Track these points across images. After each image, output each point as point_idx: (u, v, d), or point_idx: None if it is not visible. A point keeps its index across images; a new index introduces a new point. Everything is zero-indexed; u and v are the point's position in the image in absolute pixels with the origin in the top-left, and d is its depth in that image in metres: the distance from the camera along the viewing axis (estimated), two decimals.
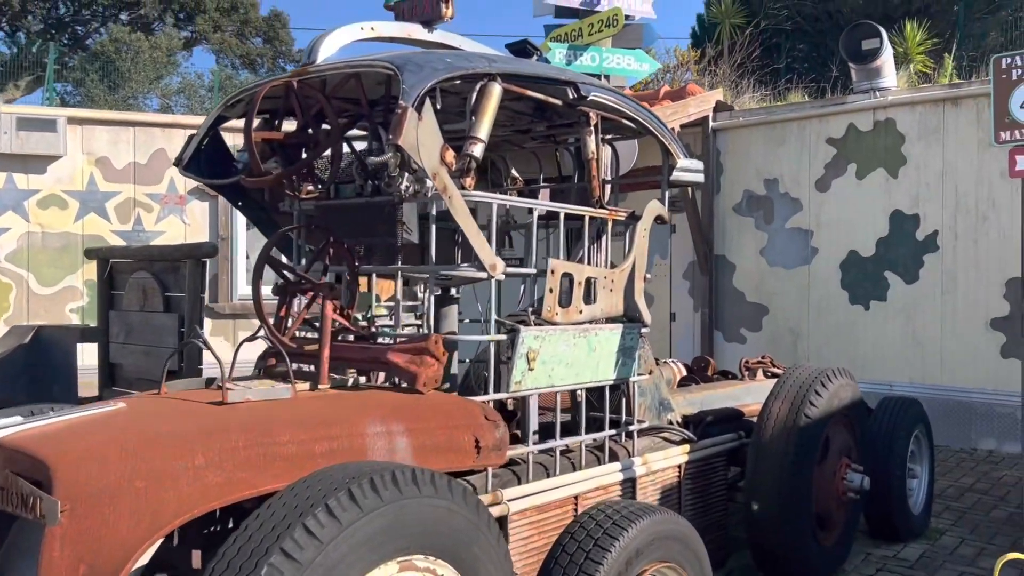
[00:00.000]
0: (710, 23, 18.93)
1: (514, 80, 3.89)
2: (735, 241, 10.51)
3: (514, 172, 5.82)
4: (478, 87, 3.71)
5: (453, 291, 4.66)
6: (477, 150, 3.58)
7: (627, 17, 7.06)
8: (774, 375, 6.55)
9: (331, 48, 3.90)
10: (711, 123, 10.61)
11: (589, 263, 4.59)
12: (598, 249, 4.83)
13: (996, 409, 8.58)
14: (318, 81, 3.95)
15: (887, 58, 9.64)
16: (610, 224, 4.59)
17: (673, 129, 9.72)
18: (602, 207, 4.50)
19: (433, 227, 3.80)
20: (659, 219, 4.79)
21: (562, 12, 7.25)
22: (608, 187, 5.57)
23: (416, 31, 4.37)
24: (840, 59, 15.93)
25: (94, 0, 30.20)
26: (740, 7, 18.16)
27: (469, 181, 3.61)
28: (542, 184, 5.53)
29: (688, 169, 4.86)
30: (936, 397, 8.82)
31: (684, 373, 6.38)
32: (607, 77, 6.85)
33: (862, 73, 9.75)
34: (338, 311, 3.91)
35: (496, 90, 3.72)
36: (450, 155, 3.50)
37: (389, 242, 4.00)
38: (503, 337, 3.86)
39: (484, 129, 3.60)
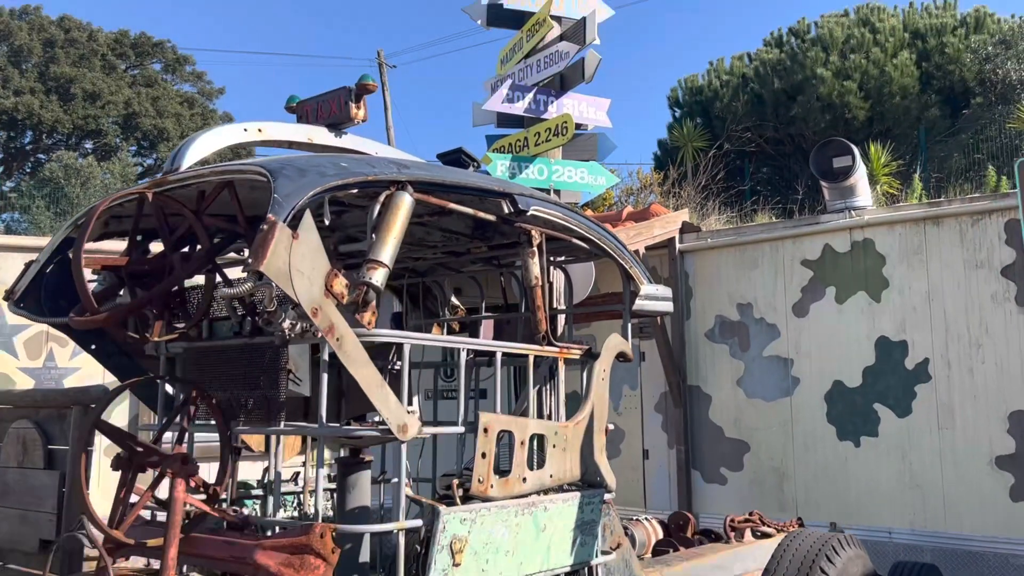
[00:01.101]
0: (672, 147, 18.85)
1: (432, 190, 3.10)
2: (710, 370, 9.68)
3: (455, 300, 4.98)
4: (382, 198, 2.91)
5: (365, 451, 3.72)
6: (377, 277, 2.73)
7: (579, 126, 6.42)
8: (764, 534, 5.58)
9: (201, 152, 3.11)
10: (678, 245, 9.99)
11: (537, 414, 3.71)
12: (551, 393, 3.95)
13: (1011, 560, 7.59)
14: (191, 193, 3.13)
15: (860, 176, 9.17)
16: (561, 365, 3.73)
17: (636, 252, 9.07)
18: (550, 343, 3.64)
19: (324, 376, 2.91)
20: (621, 356, 3.95)
21: (505, 120, 6.61)
22: (562, 318, 4.74)
23: (319, 134, 3.63)
24: (807, 180, 15.74)
25: (56, 129, 29.95)
26: (702, 131, 18.12)
27: (368, 317, 2.75)
28: (483, 315, 4.70)
29: (653, 296, 4.06)
30: (941, 546, 7.83)
31: (660, 535, 5.41)
32: (558, 192, 6.15)
33: (835, 192, 9.25)
34: (203, 490, 2.94)
35: (405, 202, 2.92)
36: (340, 284, 2.64)
37: (270, 395, 3.08)
38: (417, 523, 2.92)
39: (387, 250, 2.77)
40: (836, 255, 8.96)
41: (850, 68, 18.33)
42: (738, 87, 19.66)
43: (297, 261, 2.49)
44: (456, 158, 4.17)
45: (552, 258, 4.46)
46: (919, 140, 16.69)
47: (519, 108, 6.23)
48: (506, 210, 3.37)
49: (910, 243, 8.48)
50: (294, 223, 2.51)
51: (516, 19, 6.78)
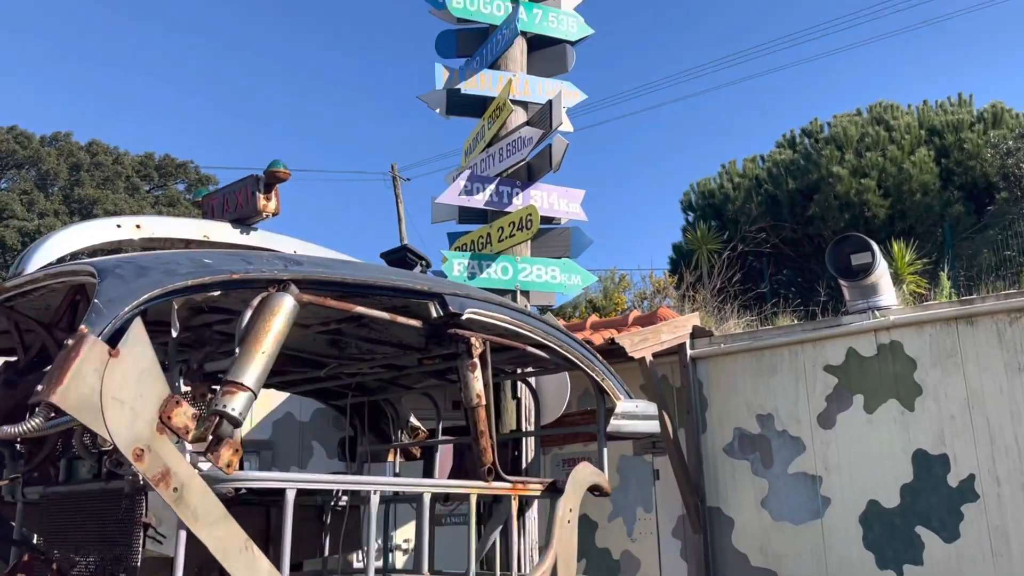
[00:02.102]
0: (687, 250, 18.35)
1: (329, 291, 2.50)
2: (730, 490, 8.78)
3: (413, 420, 4.31)
4: (255, 301, 2.31)
5: None
6: (237, 403, 2.10)
7: (550, 219, 5.84)
8: None
9: (55, 254, 2.55)
10: (689, 351, 9.27)
11: (501, 564, 3.00)
12: (519, 535, 3.23)
13: None
14: (43, 301, 2.55)
15: (882, 273, 8.50)
16: (514, 504, 3.02)
17: (643, 359, 8.36)
18: (499, 477, 2.95)
19: (182, 533, 2.23)
20: (596, 490, 3.23)
21: (468, 216, 6.03)
22: (530, 441, 4.04)
23: (220, 230, 3.09)
24: (829, 281, 15.06)
25: None
26: (716, 233, 17.63)
27: (226, 456, 2.10)
28: (440, 438, 4.01)
29: (632, 415, 3.36)
30: None
31: None
32: (526, 294, 5.53)
33: (856, 291, 8.56)
34: None
35: (284, 306, 2.31)
36: (182, 414, 2.01)
37: (121, 555, 2.41)
38: None
39: (251, 369, 2.15)
40: (861, 360, 8.19)
41: (867, 166, 17.93)
42: (751, 188, 19.30)
43: (114, 387, 1.87)
44: (400, 257, 3.61)
45: (518, 370, 3.80)
46: (944, 237, 16.03)
47: (479, 201, 5.63)
48: (434, 314, 2.76)
49: (942, 345, 7.71)
50: (112, 337, 1.90)
51: (476, 106, 6.33)
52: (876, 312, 8.31)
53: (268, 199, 3.12)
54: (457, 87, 6.23)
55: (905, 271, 13.61)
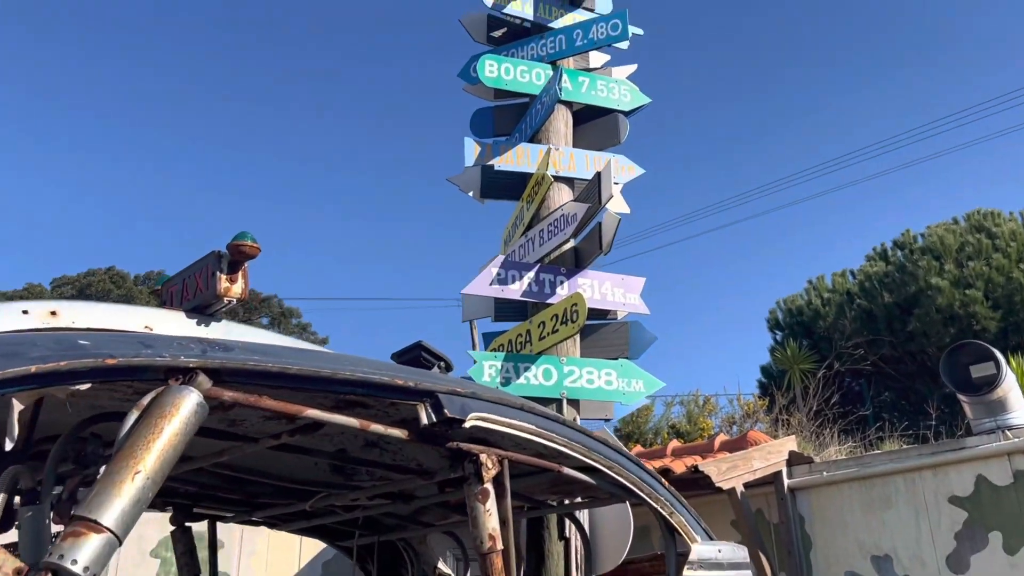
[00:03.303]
0: (778, 371, 17.13)
1: (264, 383, 1.79)
2: None
3: (442, 567, 3.48)
4: (145, 400, 1.61)
5: None
6: (85, 552, 1.35)
7: (602, 312, 4.97)
8: None
9: None
10: (786, 480, 8.10)
11: None
12: None
13: None
14: None
15: (1011, 386, 7.30)
16: None
17: (732, 490, 7.27)
18: None
19: None
20: None
21: (504, 310, 5.19)
22: None
23: (169, 320, 2.46)
24: (939, 403, 13.62)
25: None
26: (808, 352, 16.41)
27: None
28: None
29: (712, 563, 2.47)
30: None
31: None
32: (575, 404, 4.64)
33: (980, 408, 7.36)
34: None
35: (184, 405, 1.59)
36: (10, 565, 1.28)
37: None
38: None
39: (116, 501, 1.41)
40: (995, 490, 6.90)
41: (970, 276, 16.61)
42: (843, 304, 18.13)
43: None
44: (414, 357, 2.92)
45: (564, 500, 2.96)
46: None
47: (515, 291, 4.79)
48: (424, 419, 2.00)
49: None
50: None
51: (516, 186, 5.60)
52: (1007, 432, 7.09)
53: (232, 280, 2.50)
54: (490, 163, 5.50)
55: None
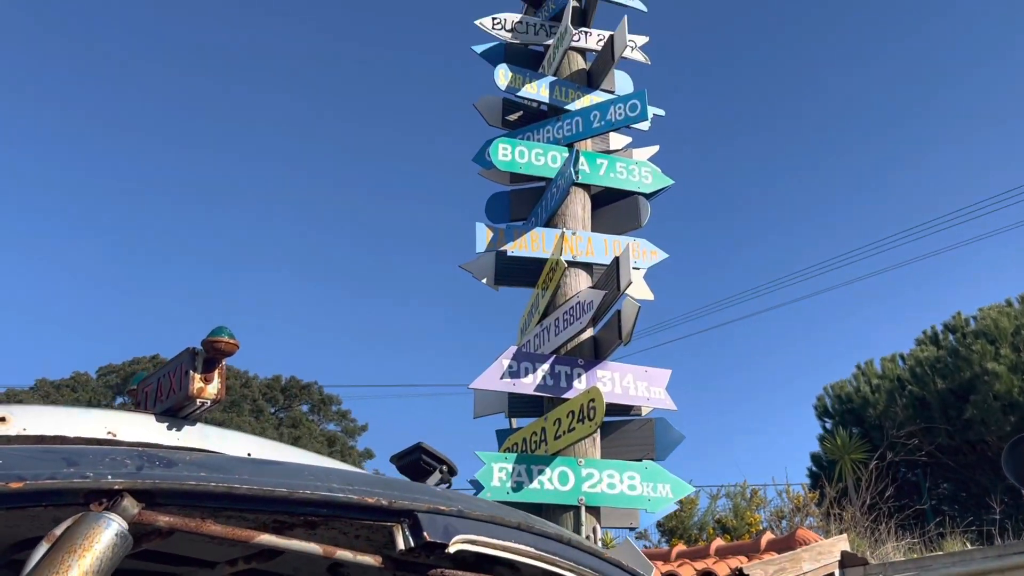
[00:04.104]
0: (828, 460, 16.38)
1: (208, 505, 1.56)
2: None
3: None
4: (59, 530, 1.39)
5: None
6: None
7: (625, 409, 4.61)
8: None
9: None
10: None
11: None
12: None
13: None
14: None
15: None
16: None
17: None
18: None
19: None
20: None
21: (519, 406, 4.76)
22: None
23: (134, 425, 2.25)
24: (1003, 495, 12.83)
25: None
26: (859, 440, 15.69)
27: None
28: None
29: None
30: None
31: None
32: (594, 511, 4.24)
33: None
34: None
35: (101, 537, 1.37)
36: None
37: None
38: None
39: None
40: None
41: None
42: (894, 390, 17.42)
43: None
44: (414, 460, 2.67)
45: None
46: None
47: (528, 385, 4.45)
48: (401, 544, 1.74)
49: None
50: None
51: (531, 271, 5.37)
52: None
53: (207, 380, 2.30)
54: (503, 249, 5.25)
55: None
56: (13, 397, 33.14)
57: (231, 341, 2.27)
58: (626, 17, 6.03)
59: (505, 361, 4.66)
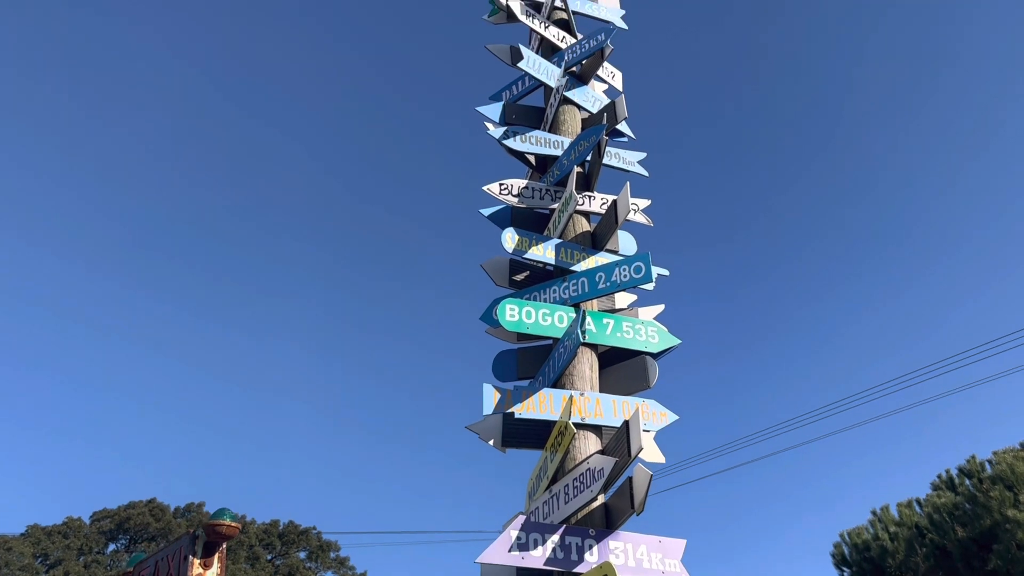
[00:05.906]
0: None
1: None
2: None
3: None
4: None
5: None
6: None
7: None
8: None
9: None
10: None
11: None
12: None
13: None
14: None
15: None
16: None
17: None
18: None
19: None
20: None
21: None
22: None
23: None
24: None
25: None
26: None
27: None
28: None
29: None
30: None
31: None
32: None
33: None
34: None
35: None
36: None
37: None
38: None
39: None
40: None
41: None
42: (912, 539, 16.76)
43: None
44: None
45: None
46: None
47: (537, 559, 4.24)
48: None
49: None
50: None
51: (539, 434, 5.30)
52: None
53: (207, 565, 2.25)
54: (510, 411, 5.15)
55: None
56: (3, 545, 32.01)
57: (232, 524, 2.25)
58: (628, 183, 6.25)
59: (513, 532, 4.47)
